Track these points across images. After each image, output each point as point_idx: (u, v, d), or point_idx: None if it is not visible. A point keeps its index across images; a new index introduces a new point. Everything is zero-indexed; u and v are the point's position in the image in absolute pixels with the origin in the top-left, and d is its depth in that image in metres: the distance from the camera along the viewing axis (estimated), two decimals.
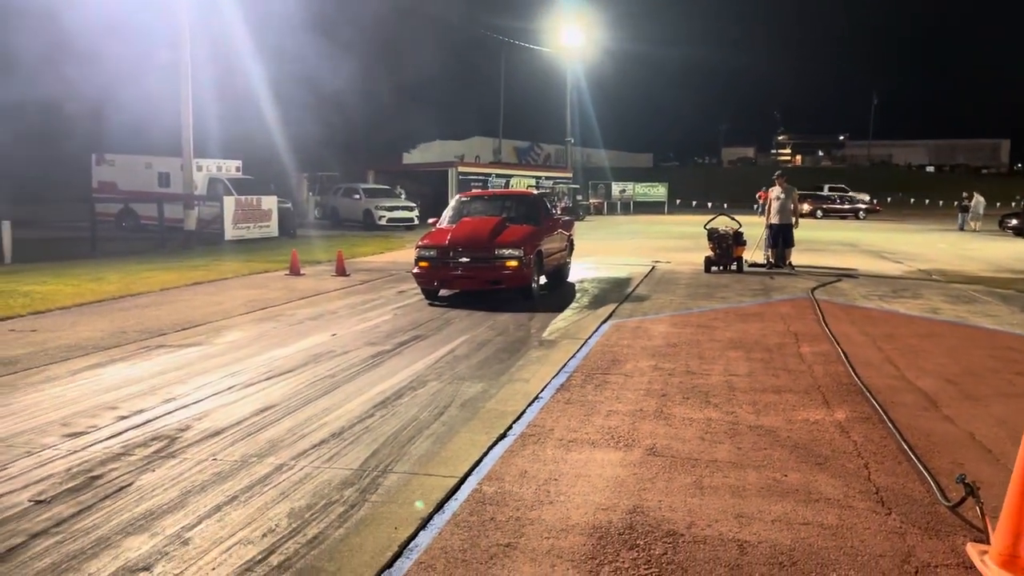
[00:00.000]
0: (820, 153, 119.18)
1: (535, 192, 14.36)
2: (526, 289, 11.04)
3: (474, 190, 15.29)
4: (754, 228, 17.50)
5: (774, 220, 15.89)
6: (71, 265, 15.33)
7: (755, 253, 16.56)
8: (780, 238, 15.87)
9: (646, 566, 3.45)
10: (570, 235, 14.23)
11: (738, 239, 15.28)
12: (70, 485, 4.36)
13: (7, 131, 31.48)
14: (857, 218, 44.56)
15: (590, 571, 3.41)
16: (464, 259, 10.78)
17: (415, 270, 11.10)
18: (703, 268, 15.26)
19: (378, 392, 6.36)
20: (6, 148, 34.13)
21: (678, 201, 55.11)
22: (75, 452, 4.90)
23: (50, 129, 29.26)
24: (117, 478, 4.47)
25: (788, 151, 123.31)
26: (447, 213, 12.61)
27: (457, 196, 13.58)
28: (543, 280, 12.25)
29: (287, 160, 32.71)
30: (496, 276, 10.75)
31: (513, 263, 10.66)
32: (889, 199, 62.86)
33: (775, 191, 16.05)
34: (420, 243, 11.17)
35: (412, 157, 51.92)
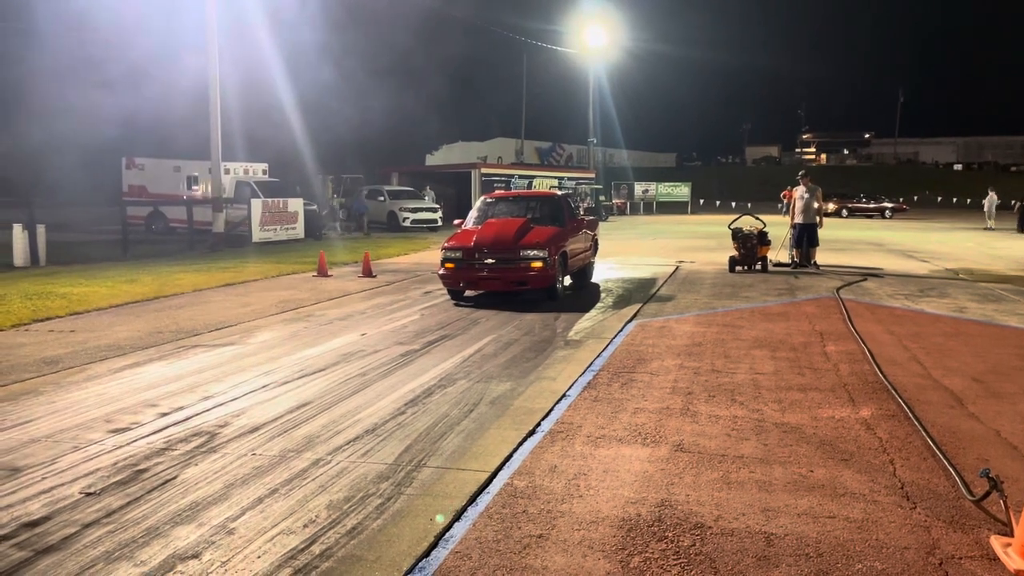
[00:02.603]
0: (845, 152, 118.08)
1: (559, 193, 14.11)
2: (551, 290, 11.15)
3: (498, 191, 15.11)
4: (778, 228, 17.49)
5: (799, 219, 15.86)
6: (104, 267, 15.66)
7: (780, 253, 16.54)
8: (805, 237, 15.84)
9: (675, 557, 3.55)
10: (594, 235, 14.26)
11: (763, 239, 15.28)
12: (118, 478, 4.55)
13: (39, 136, 32.11)
14: (883, 217, 44.17)
15: (620, 561, 3.51)
16: (489, 260, 10.91)
17: (441, 271, 11.26)
18: (727, 268, 15.28)
19: (409, 390, 6.50)
20: (38, 152, 34.80)
21: (701, 201, 54.93)
22: (120, 447, 5.09)
23: (80, 133, 29.81)
24: (162, 472, 4.65)
25: (812, 150, 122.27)
26: (472, 214, 12.73)
27: (482, 197, 13.73)
28: (568, 280, 12.34)
29: (312, 163, 33.07)
30: (521, 277, 10.87)
31: (538, 264, 10.78)
32: (916, 198, 62.21)
33: (799, 190, 16.03)
34: (446, 244, 11.31)
35: (435, 158, 52.21)
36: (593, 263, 14.14)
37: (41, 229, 16.40)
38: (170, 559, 3.54)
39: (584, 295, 12.23)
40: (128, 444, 5.15)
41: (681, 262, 17.12)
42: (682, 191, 52.22)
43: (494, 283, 11.03)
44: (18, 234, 16.01)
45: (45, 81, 27.35)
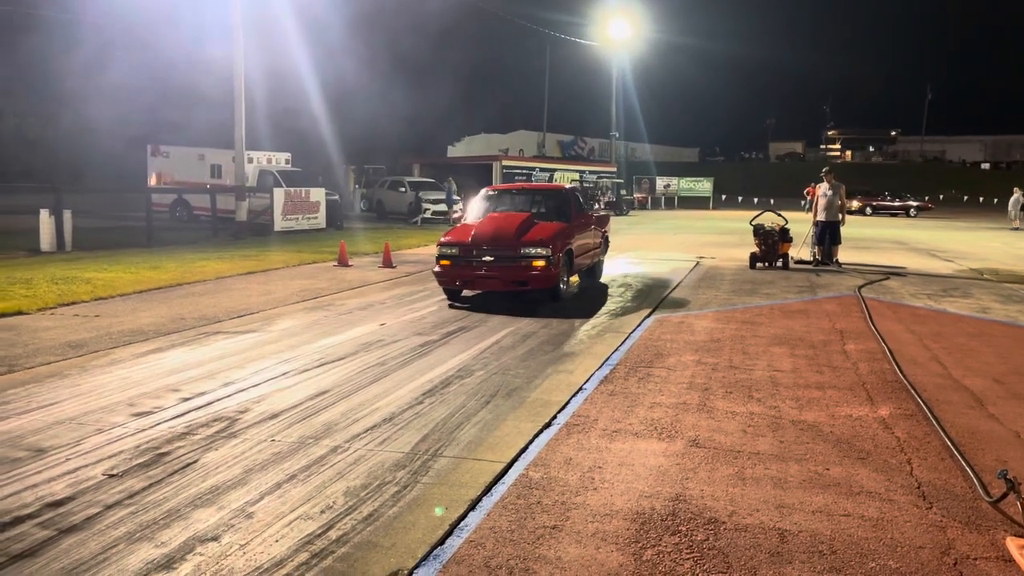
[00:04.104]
0: (870, 149, 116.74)
1: (566, 186, 13.36)
2: (554, 291, 10.44)
3: (501, 184, 14.44)
4: (801, 225, 17.36)
5: (821, 217, 15.75)
6: (128, 253, 15.86)
7: (801, 250, 16.44)
8: (827, 235, 15.73)
9: (688, 551, 3.57)
10: (604, 231, 13.55)
11: (784, 235, 15.19)
12: (140, 461, 4.63)
13: (67, 122, 32.50)
14: (908, 216, 43.68)
15: (633, 554, 3.54)
16: (488, 258, 10.14)
17: (436, 268, 10.51)
18: (748, 264, 15.21)
19: (426, 380, 6.55)
20: (66, 139, 35.22)
21: (723, 197, 54.63)
22: (142, 431, 5.18)
23: (107, 120, 30.14)
24: (183, 455, 4.72)
25: (837, 147, 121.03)
26: (472, 208, 12.06)
27: (483, 190, 12.87)
28: (575, 279, 11.69)
29: (335, 153, 33.23)
30: (522, 276, 10.10)
31: (540, 263, 10.02)
32: (941, 197, 61.45)
33: (823, 187, 15.90)
34: (442, 240, 10.59)
35: (456, 150, 52.24)
36: (602, 261, 13.56)
37: (67, 215, 16.62)
38: (190, 541, 3.61)
39: (603, 289, 12.22)
40: (150, 428, 5.23)
41: (701, 258, 17.05)
42: (704, 186, 51.96)
43: (493, 282, 10.26)
44: (45, 219, 16.24)
45: (73, 68, 27.64)
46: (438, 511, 3.97)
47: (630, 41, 49.70)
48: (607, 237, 13.80)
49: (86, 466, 4.54)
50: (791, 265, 15.31)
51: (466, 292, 10.83)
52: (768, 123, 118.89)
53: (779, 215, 16.22)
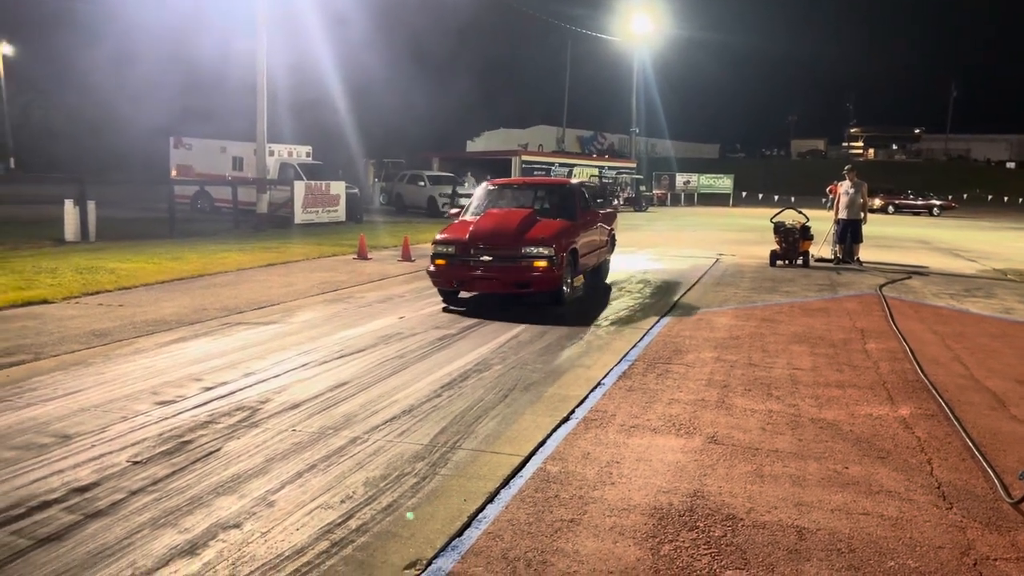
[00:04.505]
0: (894, 147, 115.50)
1: (572, 181, 12.63)
2: (556, 294, 9.73)
3: (501, 178, 13.42)
4: (822, 223, 17.24)
5: (842, 215, 15.63)
6: (151, 244, 16.02)
7: (822, 248, 16.31)
8: (848, 233, 15.61)
9: (705, 546, 3.57)
10: (611, 229, 12.93)
11: (805, 233, 15.09)
12: (163, 448, 4.69)
13: (91, 114, 32.82)
14: (931, 215, 43.22)
15: (651, 548, 3.55)
16: (486, 257, 9.46)
17: (431, 268, 9.80)
18: (768, 262, 15.13)
19: (445, 373, 6.58)
20: (90, 130, 35.58)
21: (744, 194, 54.28)
22: (166, 419, 5.25)
23: (131, 112, 30.45)
24: (206, 444, 4.79)
25: (860, 144, 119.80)
26: (471, 203, 11.33)
27: (483, 184, 12.23)
28: (581, 280, 11.10)
29: (355, 146, 33.38)
30: (523, 278, 9.41)
31: (542, 263, 9.33)
32: (965, 196, 60.72)
33: (844, 185, 15.77)
34: (437, 237, 9.91)
35: (476, 145, 52.30)
36: (609, 261, 12.93)
37: (92, 205, 16.81)
38: (213, 527, 3.66)
39: (621, 286, 12.20)
40: (173, 416, 5.30)
41: (721, 255, 16.98)
42: (724, 183, 51.69)
43: (491, 284, 9.58)
44: (70, 210, 16.43)
45: (98, 61, 27.93)
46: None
47: (651, 36, 49.48)
48: (614, 235, 13.28)
49: (111, 453, 4.61)
50: (811, 263, 15.22)
51: (463, 294, 10.25)
52: (790, 120, 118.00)
53: (800, 212, 16.12)
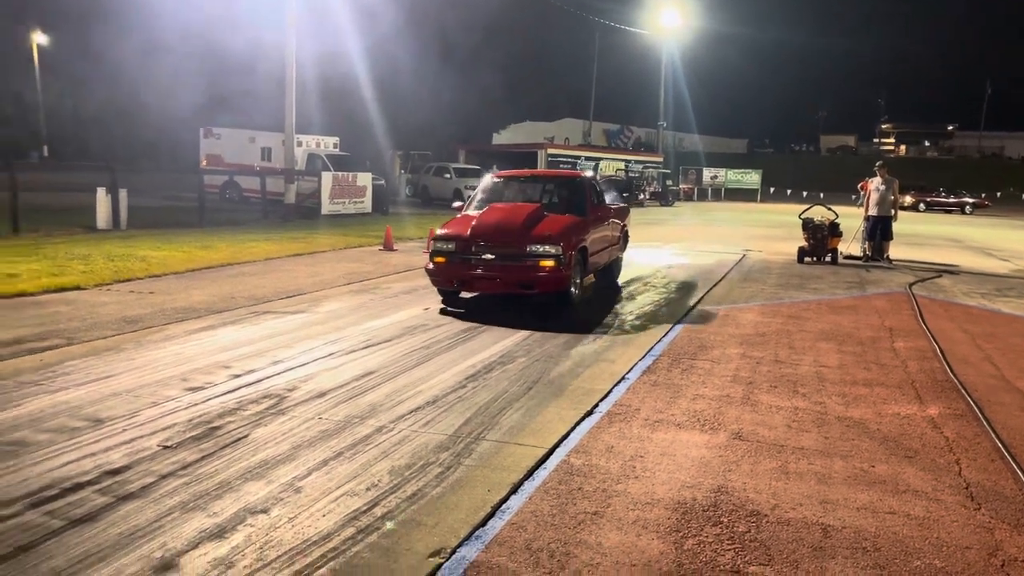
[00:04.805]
0: (926, 144, 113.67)
1: (583, 174, 11.90)
2: (564, 295, 9.10)
3: (509, 170, 12.89)
4: (851, 219, 17.04)
5: (872, 212, 15.45)
6: (181, 233, 16.22)
7: (851, 245, 16.14)
8: (878, 230, 15.42)
9: (729, 542, 3.57)
10: (623, 225, 12.30)
11: (834, 230, 14.93)
12: (193, 434, 4.77)
13: (123, 103, 33.24)
14: (963, 213, 42.55)
15: (674, 543, 3.55)
16: (488, 256, 8.84)
17: (429, 266, 9.20)
18: (796, 258, 15.00)
19: (469, 365, 6.62)
20: (119, 119, 36.02)
21: (772, 189, 53.72)
22: (195, 405, 5.33)
23: (162, 102, 30.78)
24: (234, 430, 4.86)
25: (891, 141, 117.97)
26: (475, 196, 10.70)
27: (487, 176, 11.61)
28: (591, 279, 10.72)
29: (382, 138, 33.50)
30: (527, 278, 8.80)
31: (549, 263, 8.71)
32: (999, 194, 59.63)
33: (875, 182, 15.58)
34: (437, 233, 9.23)
35: (502, 137, 52.23)
36: (621, 259, 12.23)
37: (123, 194, 17.04)
38: (241, 512, 3.72)
39: (645, 281, 12.15)
40: (203, 402, 5.38)
41: (748, 251, 16.86)
42: (752, 178, 51.21)
43: (493, 284, 8.97)
44: (102, 198, 16.68)
45: (129, 51, 28.28)
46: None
47: (680, 29, 49.09)
48: (627, 232, 12.63)
49: (141, 437, 4.70)
50: (840, 260, 15.06)
51: (464, 294, 9.64)
52: (820, 115, 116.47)
53: (829, 209, 15.95)
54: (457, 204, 11.23)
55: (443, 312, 8.97)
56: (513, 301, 9.48)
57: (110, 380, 5.85)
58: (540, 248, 8.79)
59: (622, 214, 12.38)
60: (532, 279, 8.82)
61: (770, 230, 23.34)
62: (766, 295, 10.86)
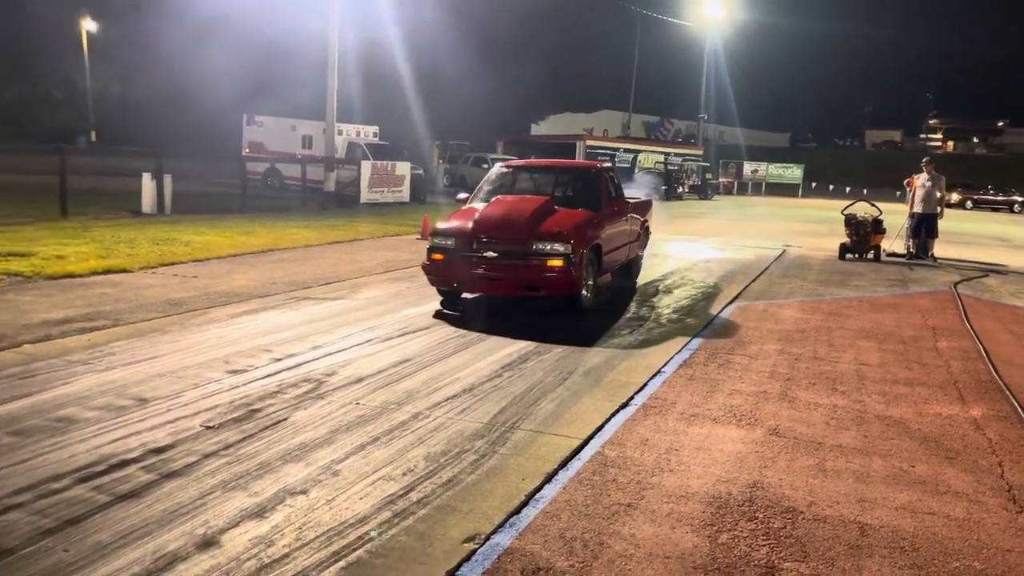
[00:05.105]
0: (974, 140, 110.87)
1: (600, 165, 11.05)
2: (573, 299, 8.39)
3: (519, 160, 12.42)
4: (895, 216, 16.73)
5: (918, 209, 15.15)
6: (223, 218, 16.48)
7: (895, 242, 15.84)
8: (923, 228, 15.13)
9: (764, 537, 3.55)
10: (644, 220, 11.40)
11: (877, 226, 14.67)
12: (234, 415, 4.87)
13: (166, 90, 33.78)
14: (1012, 211, 41.50)
15: (708, 536, 3.55)
16: (491, 253, 8.05)
17: (426, 262, 8.49)
18: (837, 255, 14.77)
19: (505, 354, 6.64)
20: (165, 106, 36.63)
21: (813, 184, 52.92)
22: (236, 387, 5.43)
23: (204, 90, 31.27)
24: (274, 412, 4.95)
25: (939, 136, 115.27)
26: (480, 188, 10.02)
27: (496, 166, 10.90)
28: (607, 278, 10.07)
29: (421, 128, 33.67)
30: (533, 278, 8.02)
31: (557, 262, 7.92)
32: None
33: (921, 178, 15.27)
34: (437, 227, 8.58)
35: (540, 128, 52.17)
36: (641, 257, 11.40)
37: (168, 179, 17.35)
38: (280, 493, 3.80)
39: (683, 273, 12.07)
40: (244, 385, 5.49)
41: (788, 246, 16.64)
42: (794, 173, 50.43)
43: (496, 285, 8.25)
44: (147, 183, 17.01)
45: (176, 39, 28.73)
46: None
47: (722, 19, 48.44)
48: (648, 228, 11.79)
49: (185, 417, 4.81)
50: (883, 258, 14.80)
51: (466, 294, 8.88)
52: (866, 109, 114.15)
53: (872, 205, 15.67)
54: (462, 195, 10.33)
55: (438, 314, 8.31)
56: None
57: (155, 361, 5.98)
58: (548, 246, 7.99)
59: (643, 208, 11.56)
60: (538, 280, 8.04)
61: (811, 226, 23.01)
62: (806, 291, 10.72)
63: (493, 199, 9.13)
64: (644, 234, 11.46)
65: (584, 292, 8.52)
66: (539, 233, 8.11)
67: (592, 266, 8.71)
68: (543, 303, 8.59)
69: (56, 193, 15.32)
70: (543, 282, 8.05)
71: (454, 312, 8.38)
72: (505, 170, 10.36)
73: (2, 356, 5.91)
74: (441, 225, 8.55)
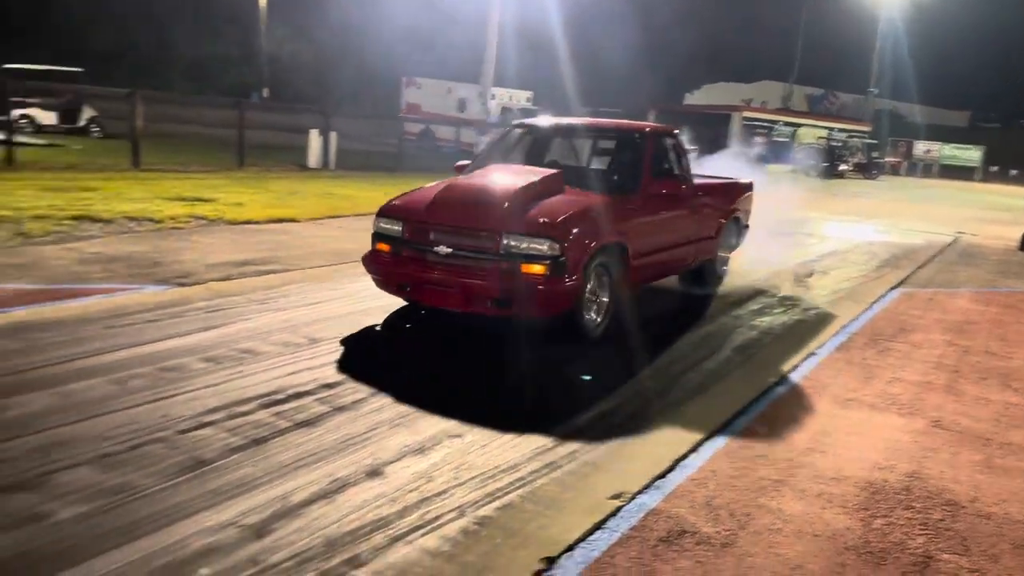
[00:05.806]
0: None
1: (646, 129, 7.36)
2: (574, 320, 5.64)
3: (537, 119, 9.88)
4: None
5: None
6: (381, 176, 17.23)
7: None
8: None
9: (921, 527, 3.44)
10: (731, 211, 8.31)
11: None
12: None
13: (333, 50, 35.27)
14: None
15: (862, 520, 3.48)
16: (443, 248, 5.49)
17: (366, 254, 6.14)
18: (1018, 245, 13.63)
19: (659, 328, 6.65)
20: (331, 65, 38.32)
21: (993, 168, 48.71)
22: (392, 338, 5.76)
23: (368, 50, 32.49)
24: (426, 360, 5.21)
25: None
26: (480, 153, 8.33)
27: (510, 126, 8.41)
28: (641, 285, 6.87)
29: (572, 94, 33.58)
30: (498, 289, 5.31)
31: (538, 268, 5.30)
32: None
33: None
34: (385, 205, 6.09)
35: (695, 98, 50.76)
36: (721, 260, 8.30)
37: (333, 136, 18.31)
38: (439, 434, 4.04)
39: (836, 259, 11.52)
40: (399, 333, 5.81)
41: (961, 233, 15.50)
42: (971, 155, 46.68)
43: (446, 296, 5.50)
44: (314, 139, 18.02)
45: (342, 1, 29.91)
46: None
47: None
48: (740, 221, 8.69)
49: (350, 357, 5.16)
50: None
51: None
52: None
53: None
54: (461, 163, 7.44)
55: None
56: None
57: (322, 305, 6.43)
58: (525, 243, 5.32)
59: (727, 194, 8.39)
60: (507, 291, 5.31)
61: (989, 212, 21.29)
62: (980, 281, 10.01)
63: (478, 170, 6.66)
64: (731, 231, 8.42)
65: (589, 315, 5.79)
66: (516, 223, 5.41)
67: (604, 276, 5.87)
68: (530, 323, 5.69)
69: (234, 145, 16.50)
70: (517, 295, 5.30)
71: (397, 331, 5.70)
72: (520, 131, 7.82)
73: (193, 291, 6.53)
74: (393, 202, 6.08)
